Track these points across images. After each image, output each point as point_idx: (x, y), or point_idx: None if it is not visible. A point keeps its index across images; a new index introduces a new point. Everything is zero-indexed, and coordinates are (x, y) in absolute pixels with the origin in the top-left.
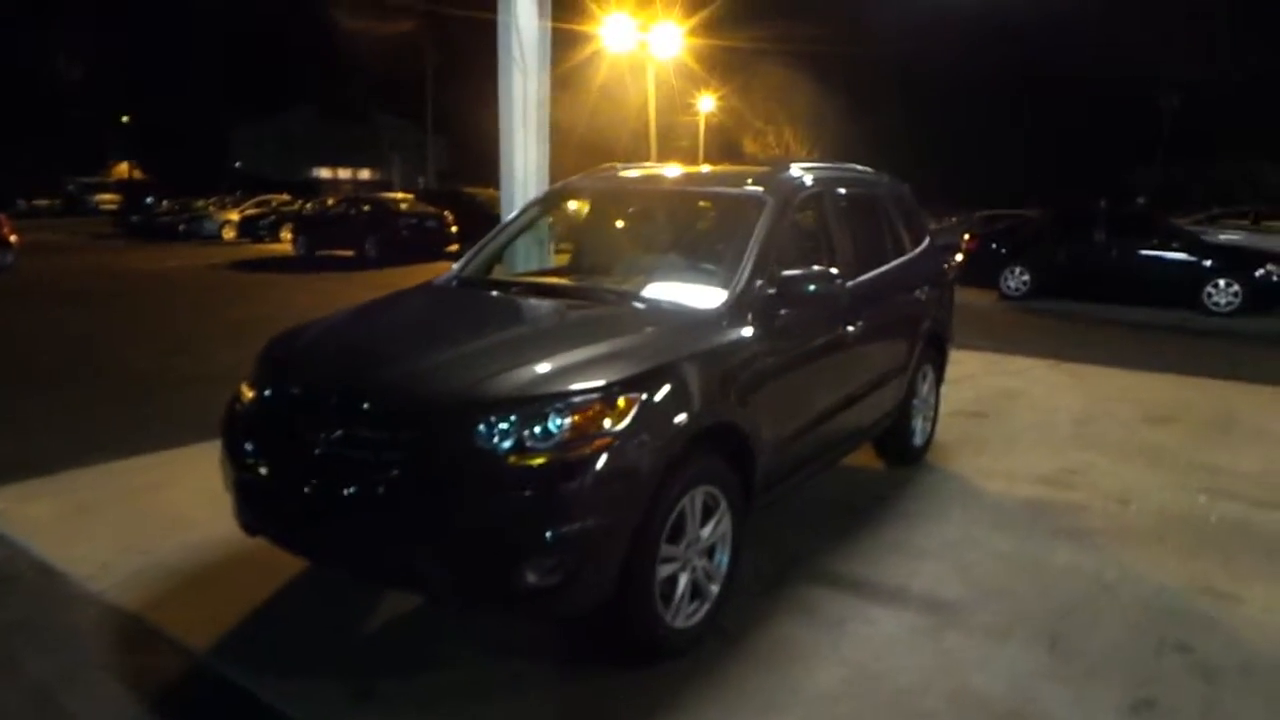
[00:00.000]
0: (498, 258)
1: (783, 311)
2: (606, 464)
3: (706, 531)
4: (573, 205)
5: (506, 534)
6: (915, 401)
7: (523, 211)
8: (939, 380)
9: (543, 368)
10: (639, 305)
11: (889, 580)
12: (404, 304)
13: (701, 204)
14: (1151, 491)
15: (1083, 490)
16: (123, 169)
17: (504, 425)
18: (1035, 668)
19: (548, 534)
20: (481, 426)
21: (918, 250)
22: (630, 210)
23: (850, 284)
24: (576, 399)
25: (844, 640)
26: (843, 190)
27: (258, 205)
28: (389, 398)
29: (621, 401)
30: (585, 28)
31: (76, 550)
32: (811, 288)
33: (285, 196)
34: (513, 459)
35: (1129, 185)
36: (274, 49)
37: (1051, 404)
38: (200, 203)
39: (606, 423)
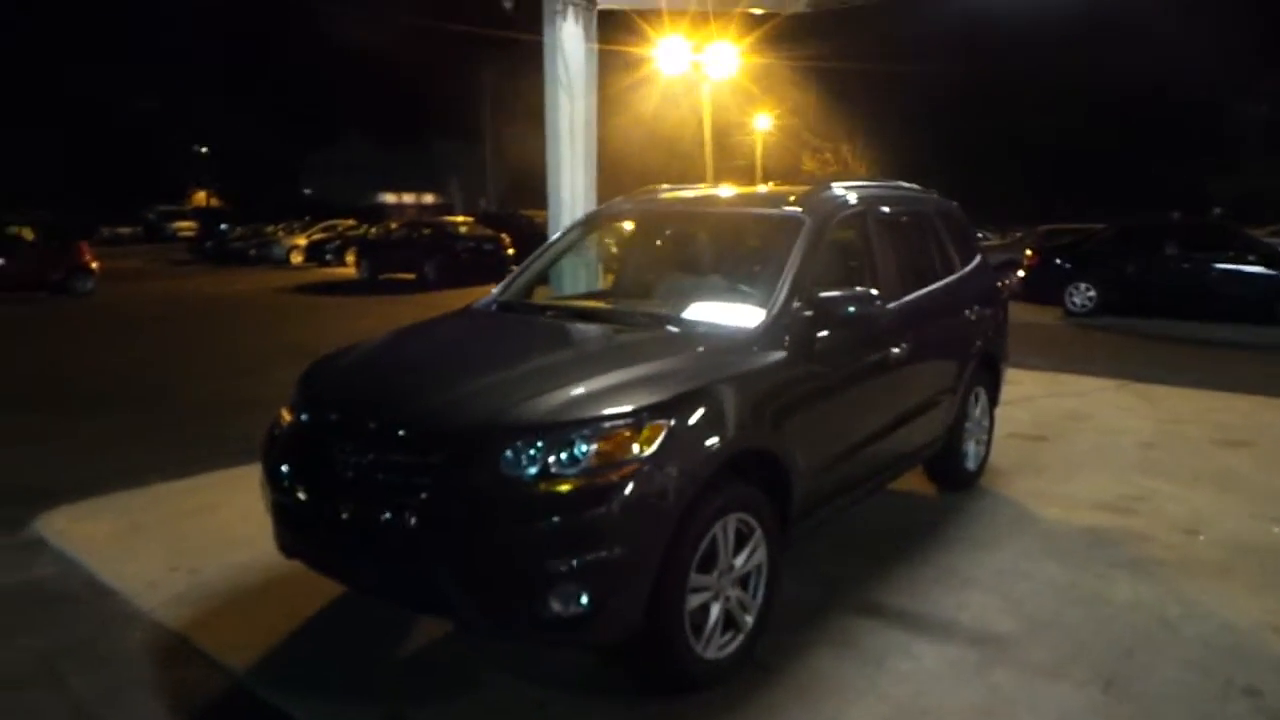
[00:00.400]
0: (539, 280)
1: (821, 333)
2: (634, 491)
3: (740, 560)
4: (623, 227)
5: (531, 561)
6: (967, 424)
7: (563, 234)
8: (993, 402)
9: (571, 393)
10: (673, 329)
11: (935, 612)
12: (442, 328)
13: (740, 225)
14: (1221, 520)
15: (1146, 518)
16: (201, 197)
17: (530, 451)
18: (1089, 709)
19: (573, 562)
20: (508, 452)
21: (968, 269)
22: (669, 232)
23: (893, 305)
24: (604, 425)
25: (884, 675)
26: (887, 209)
27: (324, 230)
28: (420, 423)
29: (649, 427)
30: (638, 49)
31: (127, 569)
32: (850, 309)
33: (351, 221)
34: (539, 485)
35: (1206, 196)
36: (341, 77)
37: (1116, 426)
38: (270, 229)
39: (634, 449)
